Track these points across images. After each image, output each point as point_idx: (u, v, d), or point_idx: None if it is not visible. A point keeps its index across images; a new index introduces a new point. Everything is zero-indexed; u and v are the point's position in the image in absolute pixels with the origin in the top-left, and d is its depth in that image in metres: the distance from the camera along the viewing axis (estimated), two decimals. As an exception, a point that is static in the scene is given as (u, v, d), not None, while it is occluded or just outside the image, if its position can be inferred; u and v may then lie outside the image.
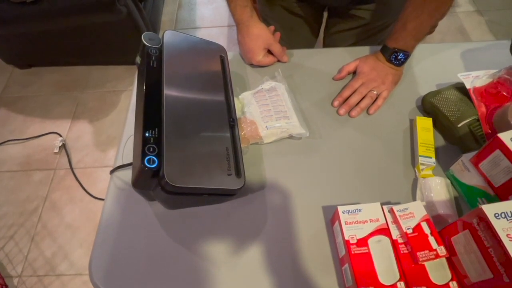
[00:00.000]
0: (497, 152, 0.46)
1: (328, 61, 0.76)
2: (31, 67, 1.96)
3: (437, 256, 0.43)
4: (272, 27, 0.77)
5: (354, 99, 0.67)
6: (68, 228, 1.43)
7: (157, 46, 0.60)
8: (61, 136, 1.67)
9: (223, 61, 0.67)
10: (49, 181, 1.55)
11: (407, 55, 0.67)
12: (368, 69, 0.69)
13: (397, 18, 0.66)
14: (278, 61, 0.76)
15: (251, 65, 0.76)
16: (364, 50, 0.76)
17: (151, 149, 0.48)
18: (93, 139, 1.67)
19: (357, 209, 0.49)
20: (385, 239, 0.47)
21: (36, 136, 1.68)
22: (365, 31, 0.86)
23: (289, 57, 0.76)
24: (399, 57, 0.67)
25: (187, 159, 0.50)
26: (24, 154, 1.64)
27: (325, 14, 0.94)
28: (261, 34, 0.73)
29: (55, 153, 1.62)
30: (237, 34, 0.75)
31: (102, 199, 1.33)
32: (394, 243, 0.47)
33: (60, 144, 1.62)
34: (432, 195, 0.53)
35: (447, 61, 0.74)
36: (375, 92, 0.67)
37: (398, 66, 0.68)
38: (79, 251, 1.37)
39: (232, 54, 0.78)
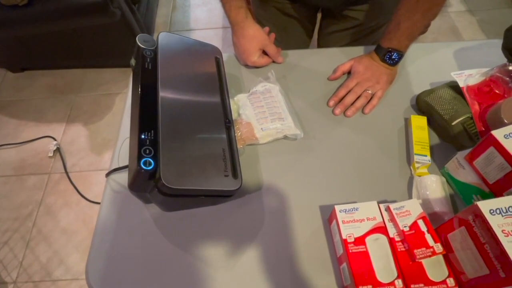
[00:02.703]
0: (491, 149, 0.46)
1: (322, 61, 0.76)
2: (24, 71, 1.94)
3: (434, 253, 0.44)
4: (267, 28, 0.78)
5: (349, 99, 0.67)
6: (63, 232, 1.41)
7: (152, 48, 0.59)
8: (55, 140, 1.66)
9: (218, 62, 0.67)
10: (44, 186, 1.54)
11: (401, 55, 0.68)
12: (363, 69, 0.69)
13: (390, 18, 0.66)
14: (273, 61, 0.76)
15: (246, 66, 0.76)
16: (358, 50, 0.77)
17: (147, 151, 0.47)
18: (88, 142, 1.66)
19: (354, 208, 0.50)
20: (382, 237, 0.47)
21: (30, 140, 1.67)
22: (359, 31, 0.86)
23: (283, 58, 0.76)
24: (393, 57, 0.67)
25: (184, 160, 0.50)
26: (18, 158, 1.62)
27: (319, 15, 0.94)
28: (256, 35, 0.73)
29: (50, 157, 1.60)
30: (232, 35, 0.75)
31: (98, 203, 1.33)
32: (391, 241, 0.47)
33: (55, 148, 1.61)
34: (427, 193, 0.54)
35: (440, 60, 0.75)
36: (370, 92, 0.67)
37: (392, 66, 0.69)
38: (75, 256, 1.36)
39: (227, 56, 0.78)
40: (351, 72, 0.71)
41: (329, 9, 0.88)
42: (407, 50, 0.68)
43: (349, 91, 0.68)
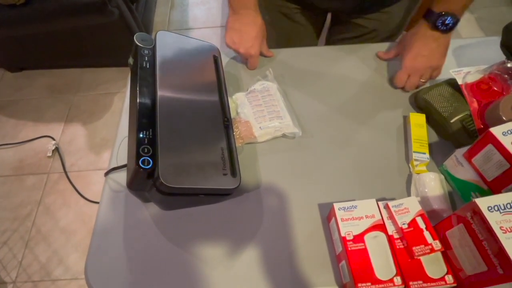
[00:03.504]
0: (489, 146, 0.46)
1: (320, 59, 0.76)
2: (22, 70, 1.93)
3: (432, 250, 0.44)
4: None
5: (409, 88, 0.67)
6: (62, 232, 1.41)
7: (150, 47, 0.59)
8: (54, 139, 1.66)
9: (216, 60, 0.67)
10: (43, 185, 1.53)
11: (456, 19, 0.60)
12: (411, 59, 0.65)
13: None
14: (264, 56, 0.76)
15: (243, 63, 0.76)
16: (356, 48, 0.77)
17: (146, 150, 0.47)
18: (86, 142, 1.65)
19: (352, 206, 0.50)
20: (381, 235, 0.47)
21: (29, 140, 1.66)
22: (368, 39, 0.85)
23: (280, 56, 0.76)
24: (446, 22, 0.60)
25: (182, 159, 0.50)
26: (16, 158, 1.62)
27: (327, 23, 0.93)
28: (263, 26, 0.72)
29: (48, 156, 1.60)
30: (233, 20, 0.70)
31: (97, 202, 1.33)
32: (390, 239, 0.47)
33: (53, 147, 1.61)
34: (426, 190, 0.54)
35: (438, 58, 0.75)
36: (424, 81, 0.67)
37: (445, 33, 0.62)
38: (74, 255, 1.36)
39: (225, 54, 0.77)
40: (401, 60, 0.68)
41: (338, 16, 0.87)
42: (462, 15, 0.61)
43: (404, 84, 0.67)
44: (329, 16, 0.91)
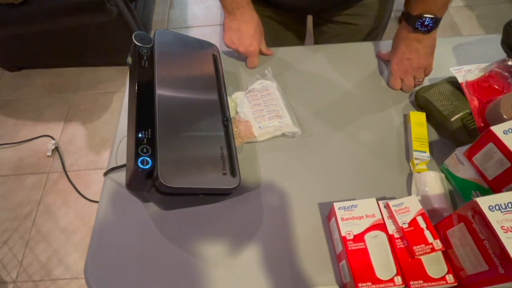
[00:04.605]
0: (490, 145, 0.46)
1: (318, 58, 0.76)
2: (21, 70, 1.93)
3: (433, 249, 0.43)
4: None
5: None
6: (62, 232, 1.41)
7: (149, 46, 0.59)
8: (53, 139, 1.65)
9: (215, 59, 0.67)
10: (42, 185, 1.53)
11: (436, 19, 0.59)
12: (397, 63, 0.66)
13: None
14: (263, 55, 0.76)
15: (242, 61, 0.75)
16: (355, 46, 0.77)
17: (145, 150, 0.47)
18: (86, 141, 1.65)
19: (353, 205, 0.49)
20: (381, 234, 0.47)
21: (28, 139, 1.66)
22: (354, 35, 0.84)
23: (279, 55, 0.76)
24: (425, 23, 0.60)
25: (181, 159, 0.50)
26: (16, 158, 1.62)
27: (311, 25, 0.92)
28: (259, 22, 0.71)
29: (48, 156, 1.60)
30: (230, 20, 0.70)
31: (97, 202, 1.33)
32: (390, 238, 0.47)
33: (53, 147, 1.60)
34: (427, 189, 0.54)
35: (439, 56, 0.74)
36: (420, 80, 0.67)
37: (426, 34, 0.61)
38: (74, 255, 1.36)
39: (224, 53, 0.77)
40: (390, 64, 0.69)
41: (318, 17, 0.86)
42: (443, 14, 0.60)
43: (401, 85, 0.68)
44: (310, 18, 0.90)
